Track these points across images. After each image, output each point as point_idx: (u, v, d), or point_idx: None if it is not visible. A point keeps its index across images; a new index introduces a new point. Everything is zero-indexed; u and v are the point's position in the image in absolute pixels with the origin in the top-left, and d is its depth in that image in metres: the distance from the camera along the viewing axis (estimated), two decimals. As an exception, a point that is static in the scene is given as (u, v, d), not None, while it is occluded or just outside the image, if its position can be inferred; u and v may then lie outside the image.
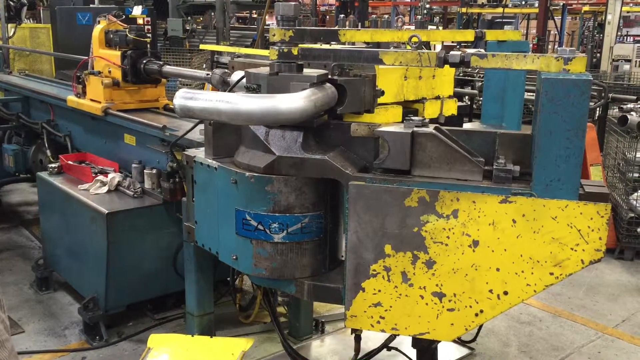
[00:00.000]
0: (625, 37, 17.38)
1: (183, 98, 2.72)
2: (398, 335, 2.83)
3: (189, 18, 13.25)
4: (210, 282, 3.62)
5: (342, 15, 3.76)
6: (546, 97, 2.29)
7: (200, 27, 14.42)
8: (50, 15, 9.53)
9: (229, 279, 4.06)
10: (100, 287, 3.94)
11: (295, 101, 2.54)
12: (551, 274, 2.42)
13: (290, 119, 2.55)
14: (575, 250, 2.37)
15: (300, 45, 2.83)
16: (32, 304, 4.47)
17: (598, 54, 15.75)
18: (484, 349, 4.05)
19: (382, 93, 3.05)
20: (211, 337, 3.48)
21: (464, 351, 3.98)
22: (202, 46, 10.81)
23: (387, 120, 2.77)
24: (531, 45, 17.78)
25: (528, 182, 2.45)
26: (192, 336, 3.42)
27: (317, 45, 3.11)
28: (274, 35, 2.80)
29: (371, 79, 2.92)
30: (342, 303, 2.78)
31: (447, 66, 2.48)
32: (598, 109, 7.81)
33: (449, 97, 3.68)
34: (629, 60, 13.71)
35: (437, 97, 3.69)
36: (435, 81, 3.66)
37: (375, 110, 3.20)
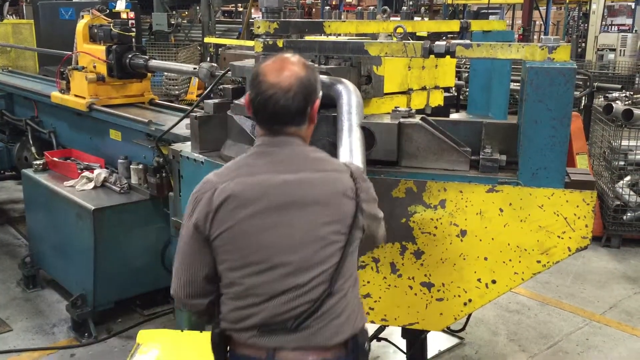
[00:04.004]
0: (609, 27, 17.49)
1: None
2: (388, 326, 2.84)
3: (174, 12, 13.12)
4: (199, 277, 3.60)
5: (327, 8, 3.73)
6: (531, 86, 2.30)
7: (185, 22, 14.30)
8: (33, 10, 9.41)
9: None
10: (88, 284, 3.91)
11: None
12: (538, 262, 2.44)
13: None
14: (562, 238, 2.38)
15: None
16: (20, 302, 4.43)
17: (583, 44, 15.84)
18: (473, 338, 4.08)
19: (370, 79, 3.05)
20: (201, 332, 3.47)
21: (453, 340, 4.00)
22: (206, 39, 10.70)
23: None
24: (517, 36, 17.83)
25: (514, 171, 2.46)
26: (182, 331, 3.41)
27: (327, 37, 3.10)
28: (258, 27, 2.78)
29: (356, 65, 2.91)
30: (331, 295, 2.78)
31: (448, 56, 2.47)
32: (583, 98, 7.86)
33: (435, 87, 3.69)
34: (614, 50, 13.79)
35: (424, 88, 3.70)
36: (438, 71, 3.67)
37: (381, 100, 3.21)
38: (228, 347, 1.91)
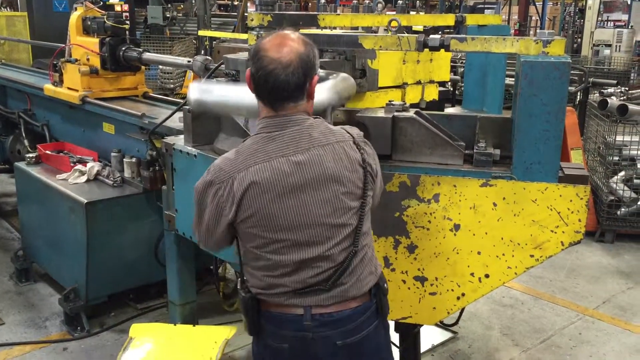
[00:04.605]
0: (605, 22, 17.49)
1: (199, 92, 2.63)
2: (381, 320, 2.83)
3: (169, 5, 13.04)
4: (192, 271, 3.59)
5: (322, 1, 3.69)
6: (525, 80, 2.29)
7: (180, 15, 14.22)
8: (27, 2, 9.34)
9: (212, 267, 4.03)
10: (80, 278, 3.89)
11: (319, 93, 2.44)
12: (531, 256, 2.43)
13: (315, 112, 2.45)
14: (555, 232, 2.38)
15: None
16: (12, 296, 4.41)
17: (579, 39, 15.86)
18: (466, 332, 4.08)
19: (364, 73, 3.04)
20: (194, 325, 3.46)
21: (447, 335, 4.01)
22: (200, 32, 10.65)
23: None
24: (513, 31, 17.82)
25: (508, 166, 2.46)
26: (175, 325, 3.40)
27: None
28: (252, 20, 2.76)
29: (350, 59, 2.91)
30: (324, 289, 2.77)
31: (442, 50, 2.46)
32: (579, 93, 7.86)
33: (430, 81, 3.68)
34: (610, 45, 13.79)
35: (419, 82, 3.69)
36: (433, 65, 3.67)
37: (375, 94, 3.20)
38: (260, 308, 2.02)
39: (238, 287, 2.08)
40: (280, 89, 1.86)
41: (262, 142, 1.91)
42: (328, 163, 1.91)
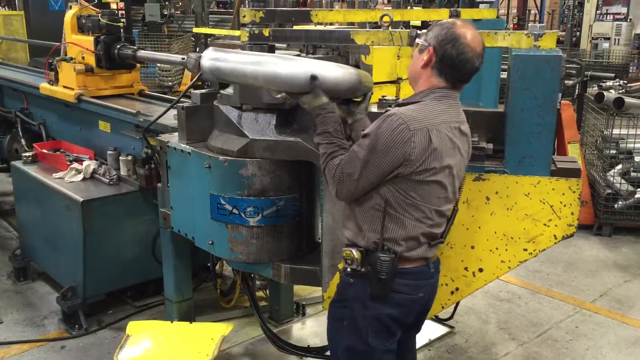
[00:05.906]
0: (604, 15, 17.44)
1: (212, 59, 2.49)
2: (376, 315, 2.83)
3: (167, 3, 13.02)
4: (188, 268, 3.60)
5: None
6: (517, 74, 2.29)
7: (178, 12, 14.20)
8: (23, 1, 9.34)
9: (209, 264, 4.04)
10: (78, 276, 3.90)
11: (343, 72, 2.37)
12: (525, 249, 2.44)
13: (335, 90, 2.33)
14: (548, 226, 2.39)
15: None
16: (11, 295, 4.42)
17: (578, 33, 15.80)
18: (463, 326, 4.09)
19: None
20: (191, 322, 3.47)
21: (444, 329, 4.01)
22: (194, 29, 10.65)
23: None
24: (512, 25, 17.77)
25: (501, 160, 2.46)
26: (172, 322, 3.41)
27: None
28: (244, 16, 2.76)
29: (344, 54, 2.90)
30: (320, 285, 2.78)
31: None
32: (577, 86, 7.84)
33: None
34: (608, 39, 13.74)
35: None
36: None
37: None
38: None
39: (371, 248, 2.17)
40: (471, 74, 2.13)
41: (440, 105, 2.10)
42: (467, 136, 2.21)
